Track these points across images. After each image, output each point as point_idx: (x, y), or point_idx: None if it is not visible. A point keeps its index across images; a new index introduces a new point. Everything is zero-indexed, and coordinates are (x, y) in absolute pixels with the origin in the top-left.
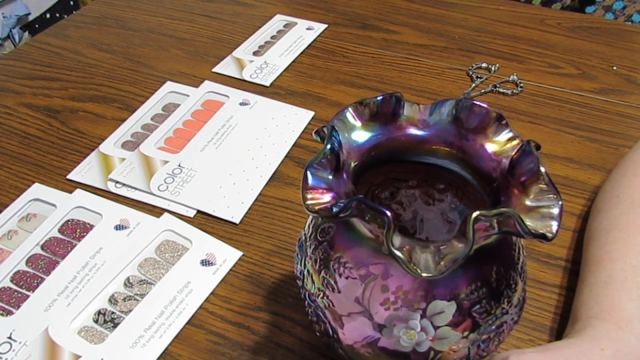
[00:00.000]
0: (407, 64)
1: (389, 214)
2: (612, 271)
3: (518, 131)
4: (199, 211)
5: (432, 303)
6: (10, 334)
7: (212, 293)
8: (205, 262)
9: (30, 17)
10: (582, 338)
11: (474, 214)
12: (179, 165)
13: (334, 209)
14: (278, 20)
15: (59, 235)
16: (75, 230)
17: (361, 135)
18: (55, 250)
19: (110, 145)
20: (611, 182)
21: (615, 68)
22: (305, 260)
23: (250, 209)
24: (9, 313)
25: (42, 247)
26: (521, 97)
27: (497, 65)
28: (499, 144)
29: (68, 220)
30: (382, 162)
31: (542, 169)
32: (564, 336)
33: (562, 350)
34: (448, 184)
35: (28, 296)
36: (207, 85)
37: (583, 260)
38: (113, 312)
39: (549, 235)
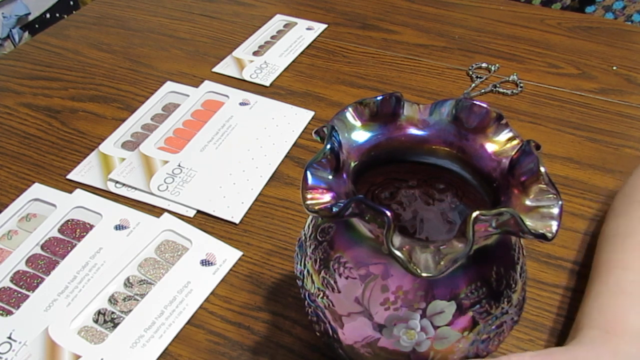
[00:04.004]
0: (407, 64)
1: (389, 214)
2: (622, 281)
3: (518, 131)
4: (199, 211)
5: (432, 303)
6: (10, 334)
7: (212, 293)
8: (205, 262)
9: (30, 17)
10: (581, 347)
11: (474, 214)
12: (179, 165)
13: (334, 209)
14: (278, 20)
15: (59, 235)
16: (75, 230)
17: (361, 135)
18: (55, 250)
19: (110, 145)
20: (632, 185)
21: (615, 68)
22: (305, 260)
23: (250, 209)
24: (9, 313)
25: (42, 247)
26: (521, 97)
27: (497, 65)
28: (499, 144)
29: (68, 220)
30: (382, 162)
31: (542, 169)
32: (566, 342)
33: (561, 356)
34: (448, 184)
35: (28, 296)
36: (207, 85)
37: (593, 265)
38: (113, 312)
39: (549, 235)
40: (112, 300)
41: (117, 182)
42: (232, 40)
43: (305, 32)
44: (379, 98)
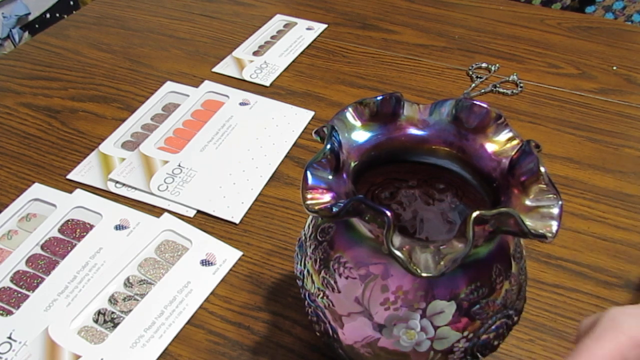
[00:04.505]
0: (407, 64)
1: (389, 214)
2: None
3: (518, 131)
4: (199, 211)
5: (432, 303)
6: (10, 334)
7: (212, 293)
8: (205, 262)
9: (30, 17)
10: None
11: (474, 214)
12: (179, 165)
13: (334, 209)
14: (278, 20)
15: (59, 235)
16: (75, 230)
17: (361, 135)
18: (55, 250)
19: (110, 145)
20: None
21: (615, 68)
22: (305, 260)
23: (250, 209)
24: (9, 313)
25: (42, 247)
26: (521, 97)
27: (497, 65)
28: (499, 144)
29: (68, 220)
30: (382, 162)
31: (542, 169)
32: None
33: None
34: (448, 184)
35: (28, 296)
36: (207, 85)
37: None
38: (113, 312)
39: (549, 235)
40: (112, 300)
41: (117, 182)
42: (232, 40)
43: (305, 32)
44: (379, 98)
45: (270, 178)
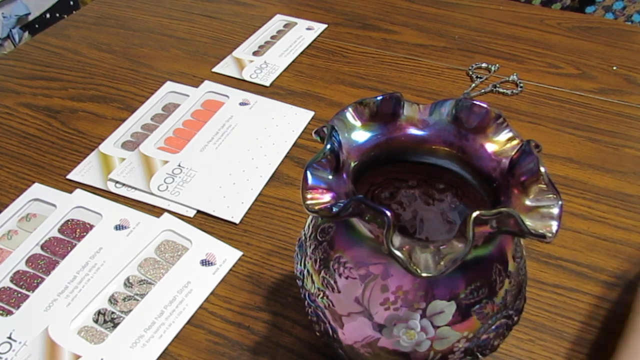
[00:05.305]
0: (407, 64)
1: (388, 214)
2: None
3: (518, 131)
4: (198, 211)
5: (432, 303)
6: (10, 334)
7: (212, 293)
8: (205, 262)
9: (30, 17)
10: None
11: (474, 214)
12: (179, 165)
13: (334, 209)
14: (278, 20)
15: (59, 235)
16: (75, 230)
17: (361, 135)
18: (55, 250)
19: (110, 145)
20: None
21: (615, 68)
22: (305, 260)
23: (250, 209)
24: (9, 313)
25: (42, 247)
26: (521, 97)
27: (497, 65)
28: (498, 144)
29: (68, 220)
30: (382, 162)
31: (542, 169)
32: None
33: None
34: (448, 184)
35: (28, 296)
36: (207, 85)
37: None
38: (113, 312)
39: (549, 235)
40: (112, 300)
41: (117, 182)
42: (232, 40)
43: (305, 32)
44: (379, 98)
45: (270, 178)
